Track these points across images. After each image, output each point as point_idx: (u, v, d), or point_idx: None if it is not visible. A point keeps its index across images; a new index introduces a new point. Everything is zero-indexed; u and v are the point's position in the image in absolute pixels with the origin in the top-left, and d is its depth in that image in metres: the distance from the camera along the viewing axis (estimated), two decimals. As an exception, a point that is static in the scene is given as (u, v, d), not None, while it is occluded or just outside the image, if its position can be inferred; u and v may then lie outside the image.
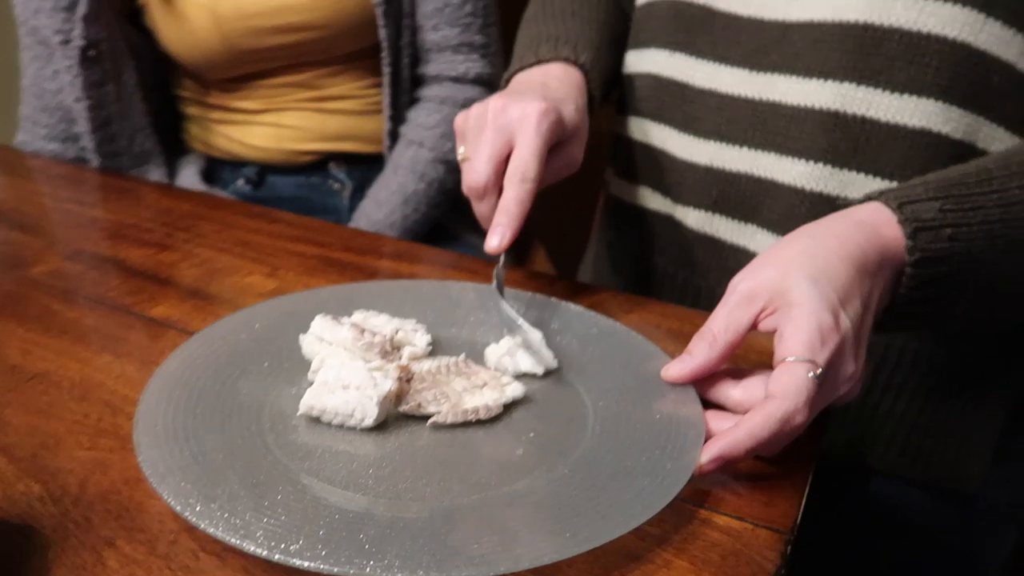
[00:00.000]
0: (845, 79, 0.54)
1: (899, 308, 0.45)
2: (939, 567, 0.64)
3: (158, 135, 0.93)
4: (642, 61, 0.67)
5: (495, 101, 0.51)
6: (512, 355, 0.46)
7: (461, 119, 0.54)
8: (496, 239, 0.48)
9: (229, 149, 0.96)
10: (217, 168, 0.98)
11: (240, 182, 0.96)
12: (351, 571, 0.30)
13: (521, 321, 0.48)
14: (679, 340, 0.49)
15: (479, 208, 0.51)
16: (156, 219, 0.70)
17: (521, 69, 0.61)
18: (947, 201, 0.44)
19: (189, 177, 0.94)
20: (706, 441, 0.38)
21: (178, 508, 0.33)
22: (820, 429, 0.42)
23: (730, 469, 0.39)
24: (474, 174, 0.50)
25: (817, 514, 0.49)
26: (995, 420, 0.59)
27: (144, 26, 0.91)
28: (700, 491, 0.38)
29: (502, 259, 0.50)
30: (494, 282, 0.50)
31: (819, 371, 0.38)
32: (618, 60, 0.70)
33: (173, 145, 0.98)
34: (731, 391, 0.42)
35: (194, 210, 0.72)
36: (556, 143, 0.52)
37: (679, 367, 0.42)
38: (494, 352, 0.47)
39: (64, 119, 0.90)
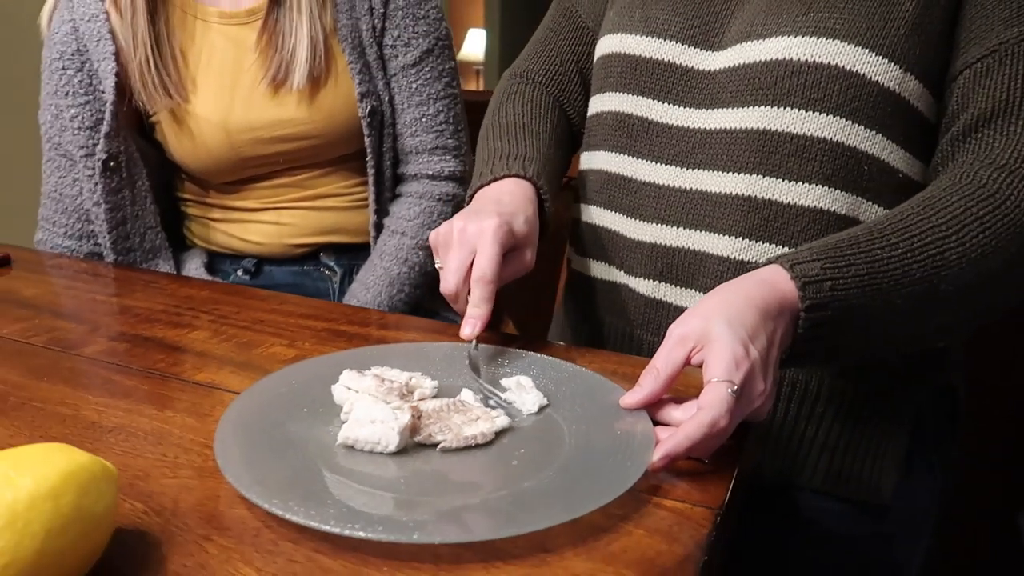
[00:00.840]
0: (754, 172, 0.69)
1: (799, 346, 0.58)
2: (862, 573, 0.76)
3: (166, 232, 1.05)
4: (594, 160, 0.82)
5: (458, 221, 0.65)
6: (519, 397, 0.58)
7: (434, 236, 0.68)
8: (468, 328, 0.62)
9: (229, 244, 1.07)
10: (217, 260, 1.09)
11: (239, 272, 1.08)
12: (394, 537, 0.41)
13: (498, 392, 0.60)
14: (632, 380, 0.61)
15: (455, 307, 0.65)
16: (182, 304, 0.81)
17: (481, 187, 0.74)
18: (826, 261, 0.58)
19: (194, 269, 1.06)
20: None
21: (265, 506, 0.43)
22: (742, 439, 0.54)
23: (674, 467, 0.51)
24: (446, 283, 0.64)
25: (751, 529, 0.61)
26: (900, 439, 0.72)
27: (154, 138, 1.04)
28: (652, 484, 0.50)
29: (474, 343, 0.63)
30: (467, 362, 0.63)
31: (735, 387, 0.50)
32: (566, 160, 0.85)
33: (177, 240, 1.10)
34: (673, 412, 0.54)
35: (212, 296, 0.84)
36: (510, 249, 0.66)
37: (633, 396, 0.55)
38: (471, 396, 0.59)
39: (81, 219, 1.02)
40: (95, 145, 0.97)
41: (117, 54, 0.95)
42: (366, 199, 1.05)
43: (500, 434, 0.55)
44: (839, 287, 0.57)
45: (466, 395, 0.59)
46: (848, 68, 0.65)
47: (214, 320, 0.77)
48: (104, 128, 0.96)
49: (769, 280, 0.57)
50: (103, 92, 0.96)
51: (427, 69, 1.02)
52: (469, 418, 0.56)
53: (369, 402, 0.55)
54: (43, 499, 0.37)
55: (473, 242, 0.64)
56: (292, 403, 0.57)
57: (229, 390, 0.62)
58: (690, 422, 0.50)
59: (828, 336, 0.58)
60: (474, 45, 5.74)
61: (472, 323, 0.62)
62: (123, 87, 0.96)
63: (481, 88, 5.71)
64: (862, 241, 0.60)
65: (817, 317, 0.57)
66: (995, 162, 0.63)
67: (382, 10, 0.99)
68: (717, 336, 0.53)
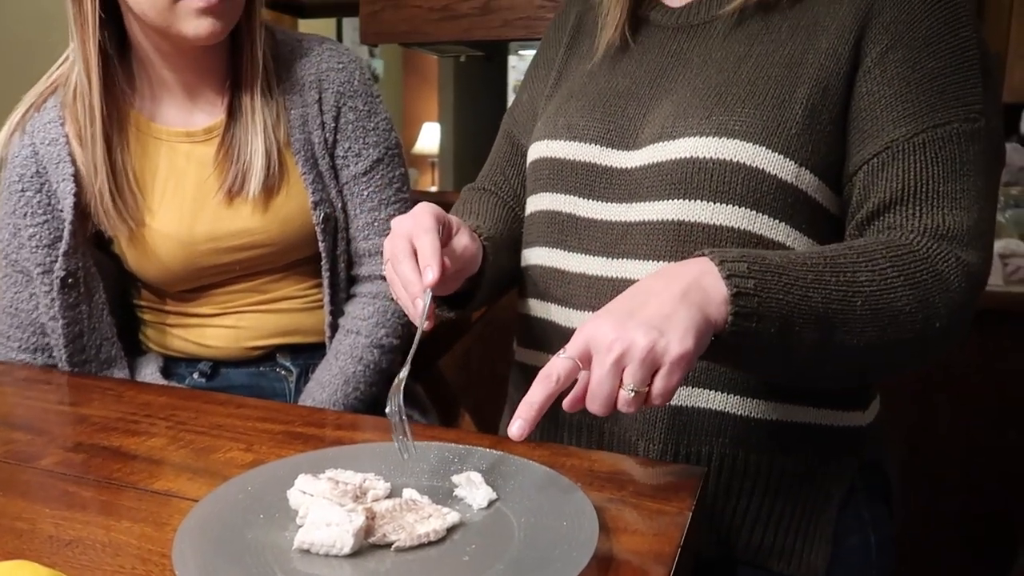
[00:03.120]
0: (670, 260, 0.75)
1: (729, 325, 0.60)
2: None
3: (121, 340, 1.06)
4: (531, 256, 0.88)
5: (393, 221, 0.71)
6: (469, 493, 0.61)
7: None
8: (429, 273, 0.65)
9: (185, 349, 1.09)
10: (172, 364, 1.10)
11: (195, 375, 1.09)
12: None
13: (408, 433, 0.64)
14: (575, 470, 0.65)
15: (400, 271, 0.68)
16: (139, 411, 0.82)
17: None
18: (745, 252, 0.62)
19: (149, 375, 1.06)
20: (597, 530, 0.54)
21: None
22: (686, 521, 0.58)
23: (621, 550, 0.54)
24: (390, 246, 0.68)
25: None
26: (828, 515, 0.76)
27: (111, 252, 1.06)
28: (597, 570, 0.52)
29: (405, 371, 0.65)
30: (391, 406, 0.64)
31: (563, 351, 0.58)
32: (515, 243, 0.91)
33: (132, 346, 1.11)
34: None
35: (170, 401, 0.85)
36: (449, 235, 0.71)
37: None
38: (416, 494, 0.61)
39: (36, 333, 1.03)
40: (53, 262, 0.99)
41: (76, 176, 0.98)
42: (321, 300, 1.08)
43: (452, 530, 0.57)
44: (755, 270, 0.61)
45: (409, 494, 0.61)
46: (748, 164, 0.72)
47: (171, 426, 0.78)
48: (63, 247, 0.98)
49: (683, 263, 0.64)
50: (62, 212, 0.99)
51: (378, 177, 1.08)
52: (421, 516, 0.58)
53: (324, 505, 0.57)
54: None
55: (409, 217, 0.69)
56: (249, 509, 0.59)
57: (186, 497, 0.63)
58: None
59: (754, 313, 0.60)
60: (429, 139, 5.92)
61: (430, 270, 0.65)
62: (82, 207, 0.99)
63: (436, 180, 5.86)
64: (779, 253, 0.65)
65: (741, 285, 0.60)
66: (905, 229, 0.69)
67: (333, 124, 1.05)
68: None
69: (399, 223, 0.70)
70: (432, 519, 0.58)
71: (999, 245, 1.59)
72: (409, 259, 0.68)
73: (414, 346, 0.68)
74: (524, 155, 0.93)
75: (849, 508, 0.78)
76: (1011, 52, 2.94)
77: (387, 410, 0.64)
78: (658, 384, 0.57)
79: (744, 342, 0.61)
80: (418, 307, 0.67)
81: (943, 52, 0.70)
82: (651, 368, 0.57)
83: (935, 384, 1.57)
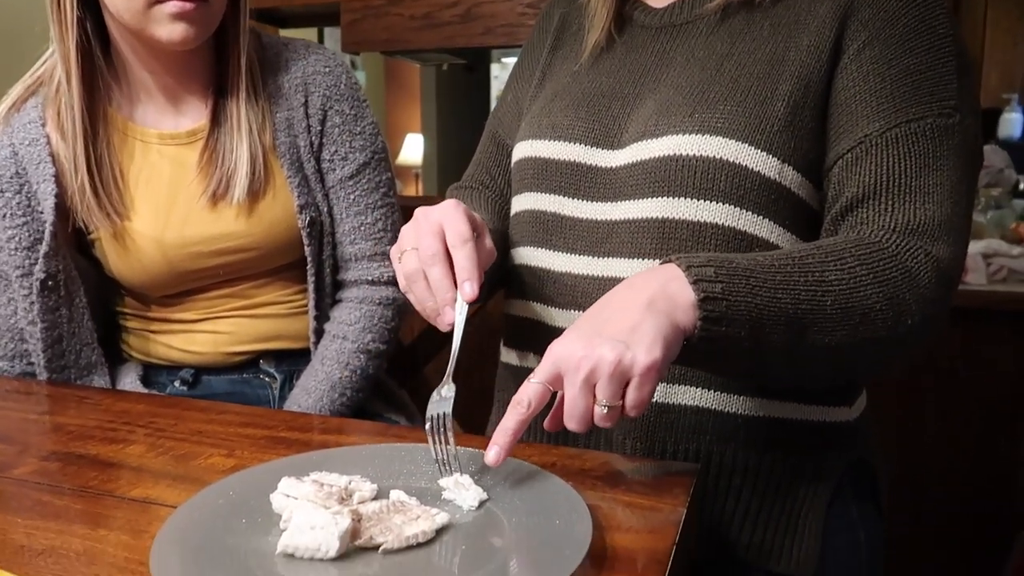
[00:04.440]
0: (655, 257, 0.74)
1: (698, 329, 0.59)
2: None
3: (102, 348, 1.04)
4: (517, 256, 0.87)
5: (418, 211, 0.68)
6: (458, 494, 0.59)
7: (395, 248, 0.70)
8: (468, 288, 0.63)
9: (167, 356, 1.07)
10: (153, 372, 1.08)
11: (176, 383, 1.07)
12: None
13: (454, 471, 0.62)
14: (566, 470, 0.64)
15: (433, 275, 0.65)
16: (117, 419, 0.80)
17: None
18: (713, 261, 0.62)
19: (129, 383, 1.04)
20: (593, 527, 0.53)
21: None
22: (680, 521, 0.56)
23: (615, 549, 0.53)
24: (418, 243, 0.65)
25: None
26: (817, 512, 0.75)
27: (92, 255, 1.04)
28: (593, 570, 0.51)
29: (450, 389, 0.64)
30: (435, 402, 0.64)
31: (532, 377, 0.58)
32: (504, 241, 0.89)
33: (113, 354, 1.09)
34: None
35: (149, 409, 0.83)
36: (479, 235, 0.67)
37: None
38: (403, 495, 0.60)
39: (14, 339, 1.01)
40: (32, 265, 0.97)
41: (57, 176, 0.97)
42: (305, 306, 1.06)
43: (441, 531, 0.56)
44: (722, 274, 0.61)
45: (397, 495, 0.60)
46: (732, 160, 0.72)
47: (150, 433, 0.76)
48: (43, 248, 0.96)
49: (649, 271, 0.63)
50: (42, 213, 0.97)
51: (364, 181, 1.06)
52: (409, 517, 0.57)
53: (309, 508, 0.55)
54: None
55: (439, 216, 0.66)
56: (230, 514, 0.57)
57: (166, 504, 0.61)
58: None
59: (723, 317, 0.60)
60: (412, 150, 5.92)
61: (469, 283, 0.63)
62: (63, 208, 0.98)
63: (420, 191, 5.85)
64: (746, 255, 0.65)
65: (708, 289, 0.59)
66: (876, 227, 0.69)
67: (319, 128, 1.04)
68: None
69: (427, 218, 0.66)
70: (420, 520, 0.56)
71: (981, 246, 1.60)
72: (443, 264, 0.65)
73: (452, 360, 0.65)
74: (509, 155, 0.93)
75: (837, 505, 0.77)
76: (987, 58, 2.99)
77: (427, 427, 0.63)
78: (630, 396, 0.57)
79: (714, 346, 0.61)
80: (448, 315, 0.65)
81: (919, 48, 0.71)
82: (621, 381, 0.57)
83: (921, 380, 1.58)
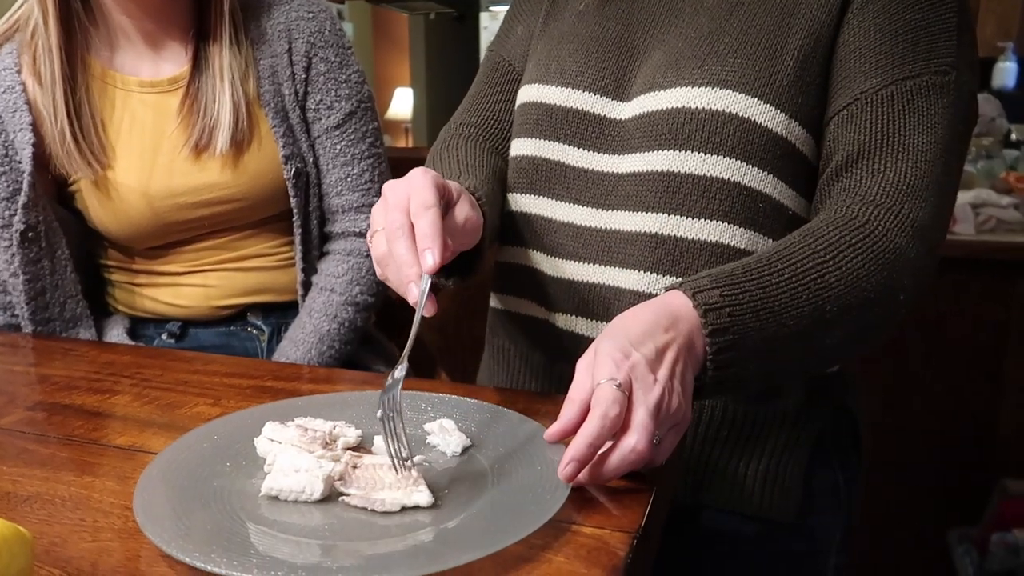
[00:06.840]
0: (659, 211, 0.74)
1: (710, 374, 0.61)
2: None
3: (87, 300, 1.03)
4: (513, 203, 0.85)
5: (386, 186, 0.63)
6: (443, 440, 0.60)
7: (368, 235, 0.66)
8: (429, 257, 0.57)
9: (154, 309, 1.06)
10: (140, 326, 1.08)
11: (164, 336, 1.06)
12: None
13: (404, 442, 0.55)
14: (552, 416, 0.64)
15: (396, 250, 0.59)
16: (102, 371, 0.80)
17: None
18: (724, 289, 0.61)
19: (116, 336, 1.04)
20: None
21: (186, 559, 0.44)
22: (660, 470, 0.57)
23: (593, 494, 0.53)
24: (384, 219, 0.60)
25: (662, 548, 0.64)
26: (800, 459, 0.76)
27: (74, 207, 1.03)
28: (571, 513, 0.52)
29: (402, 370, 0.58)
30: (388, 385, 0.56)
31: (618, 382, 0.53)
32: (501, 192, 0.86)
33: (99, 308, 1.08)
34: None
35: (135, 360, 0.83)
36: (449, 203, 0.63)
37: (556, 428, 0.57)
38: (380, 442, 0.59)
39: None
40: (12, 216, 0.96)
41: (35, 124, 0.95)
42: (292, 258, 1.06)
43: (424, 476, 0.56)
44: (736, 313, 0.61)
45: (378, 442, 0.60)
46: (740, 114, 0.71)
47: (136, 384, 0.76)
48: (22, 199, 0.95)
49: (663, 300, 0.61)
50: (20, 163, 0.96)
51: (350, 131, 1.05)
52: (391, 484, 0.54)
53: (293, 452, 0.55)
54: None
55: (404, 187, 0.61)
56: (215, 458, 0.57)
57: (152, 452, 0.61)
58: (585, 423, 0.53)
59: (734, 361, 0.62)
60: (402, 104, 5.84)
61: (430, 252, 0.57)
62: (41, 157, 0.96)
63: (411, 145, 5.79)
64: (753, 269, 0.64)
65: (721, 342, 0.60)
66: (864, 198, 0.69)
67: (304, 76, 1.02)
68: (600, 350, 0.56)
69: (393, 192, 0.61)
70: (398, 492, 0.53)
71: (971, 195, 1.60)
72: (407, 238, 0.59)
73: (411, 339, 0.58)
74: (519, 83, 0.89)
75: (820, 452, 0.78)
76: (982, 6, 2.95)
77: (378, 414, 0.55)
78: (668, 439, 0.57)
79: (723, 387, 0.62)
80: (413, 293, 0.59)
81: (921, 4, 0.70)
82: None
83: (906, 330, 1.59)
